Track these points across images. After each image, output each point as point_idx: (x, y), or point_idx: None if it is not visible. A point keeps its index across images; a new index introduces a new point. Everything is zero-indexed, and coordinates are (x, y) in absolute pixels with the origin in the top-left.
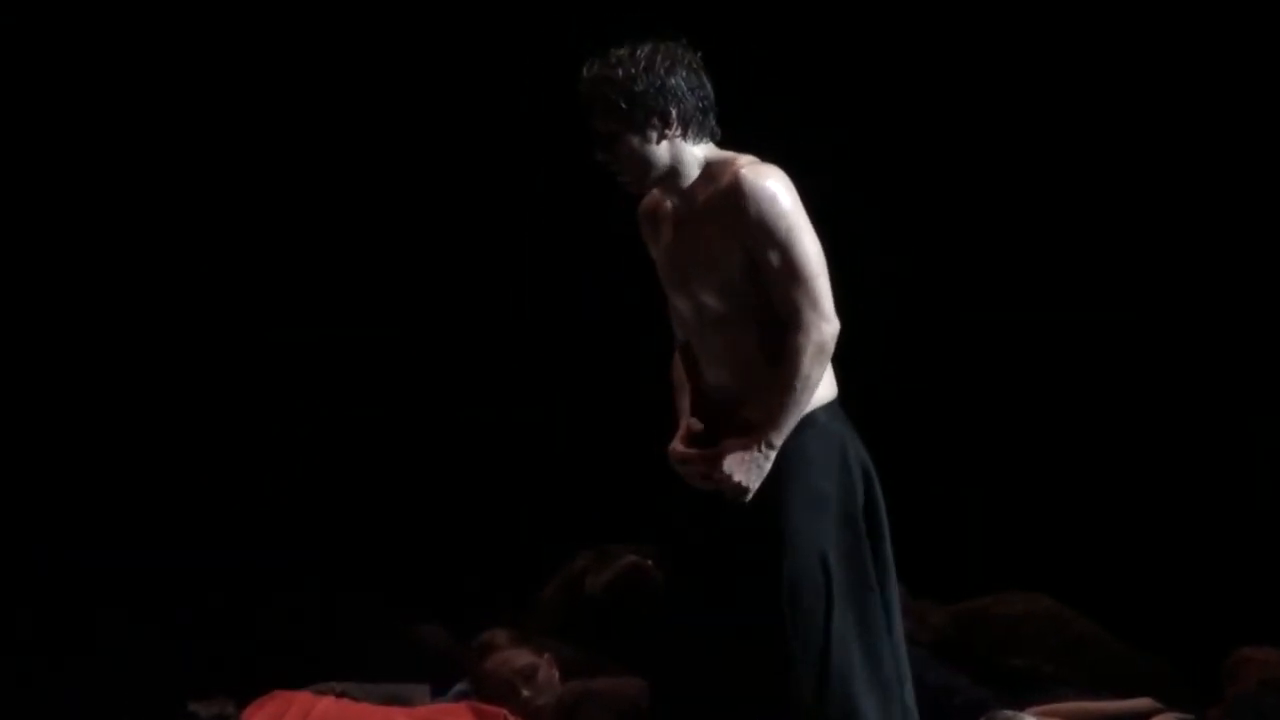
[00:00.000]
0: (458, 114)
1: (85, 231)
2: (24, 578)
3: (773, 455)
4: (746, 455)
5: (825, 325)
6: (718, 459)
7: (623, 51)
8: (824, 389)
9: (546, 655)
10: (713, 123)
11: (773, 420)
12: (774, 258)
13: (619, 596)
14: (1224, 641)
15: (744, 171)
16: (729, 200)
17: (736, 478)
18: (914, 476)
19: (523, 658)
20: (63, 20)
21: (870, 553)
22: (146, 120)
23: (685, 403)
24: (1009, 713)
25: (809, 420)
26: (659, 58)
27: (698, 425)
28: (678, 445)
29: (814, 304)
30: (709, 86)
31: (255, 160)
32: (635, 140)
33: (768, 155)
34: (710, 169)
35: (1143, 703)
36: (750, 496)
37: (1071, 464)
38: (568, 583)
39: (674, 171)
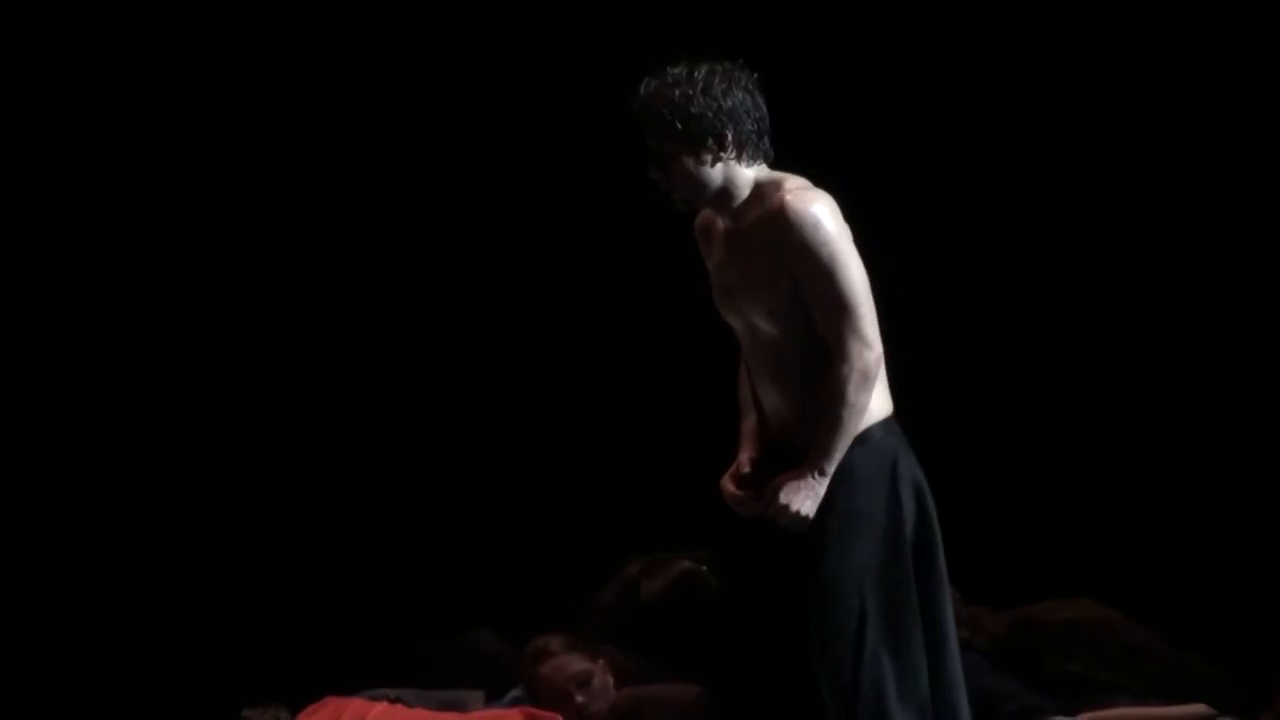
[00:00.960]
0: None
1: (85, 232)
2: (83, 581)
3: (825, 481)
4: (801, 484)
5: (868, 352)
6: (773, 494)
7: (680, 70)
8: (878, 405)
9: (601, 661)
10: (767, 145)
11: (823, 448)
12: (817, 285)
13: (673, 602)
14: (1278, 648)
15: (789, 198)
16: (774, 225)
17: (794, 508)
18: (969, 483)
19: (577, 664)
20: (63, 21)
21: (918, 569)
22: (145, 121)
23: (746, 426)
24: (1062, 718)
25: (862, 438)
26: (716, 79)
27: (747, 466)
28: (729, 485)
29: (857, 331)
30: (764, 108)
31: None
32: (690, 161)
33: (814, 171)
34: (760, 190)
35: (1196, 709)
36: (809, 524)
37: (1126, 469)
38: (622, 588)
39: (726, 192)
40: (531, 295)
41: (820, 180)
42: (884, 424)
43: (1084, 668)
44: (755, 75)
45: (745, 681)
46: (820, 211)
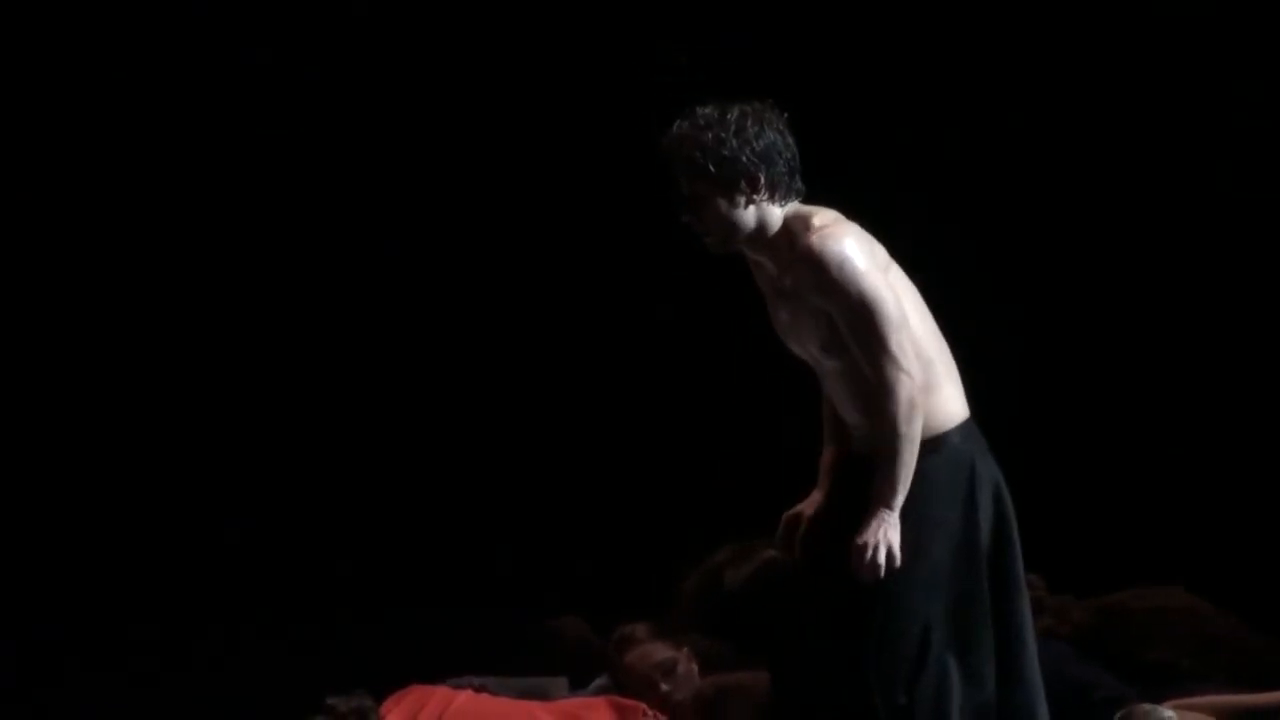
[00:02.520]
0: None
1: (84, 232)
2: (167, 570)
3: (895, 515)
4: (876, 530)
5: (909, 381)
6: (853, 556)
7: (710, 111)
8: (953, 409)
9: (685, 649)
10: (799, 183)
11: (885, 485)
12: (849, 324)
13: (758, 591)
14: None
15: (813, 240)
16: (804, 269)
17: (876, 559)
18: (1054, 471)
19: (662, 651)
20: (63, 21)
21: (994, 572)
22: (146, 121)
23: (824, 460)
24: (1147, 706)
25: (938, 444)
26: (749, 121)
27: (810, 509)
28: (786, 541)
29: (895, 363)
30: (795, 148)
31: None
32: (723, 204)
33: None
34: (789, 229)
35: None
36: (898, 554)
37: (1210, 458)
38: (707, 576)
39: (760, 233)
40: (624, 289)
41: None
42: (960, 429)
43: (1169, 656)
44: (785, 115)
45: (801, 679)
46: (844, 251)
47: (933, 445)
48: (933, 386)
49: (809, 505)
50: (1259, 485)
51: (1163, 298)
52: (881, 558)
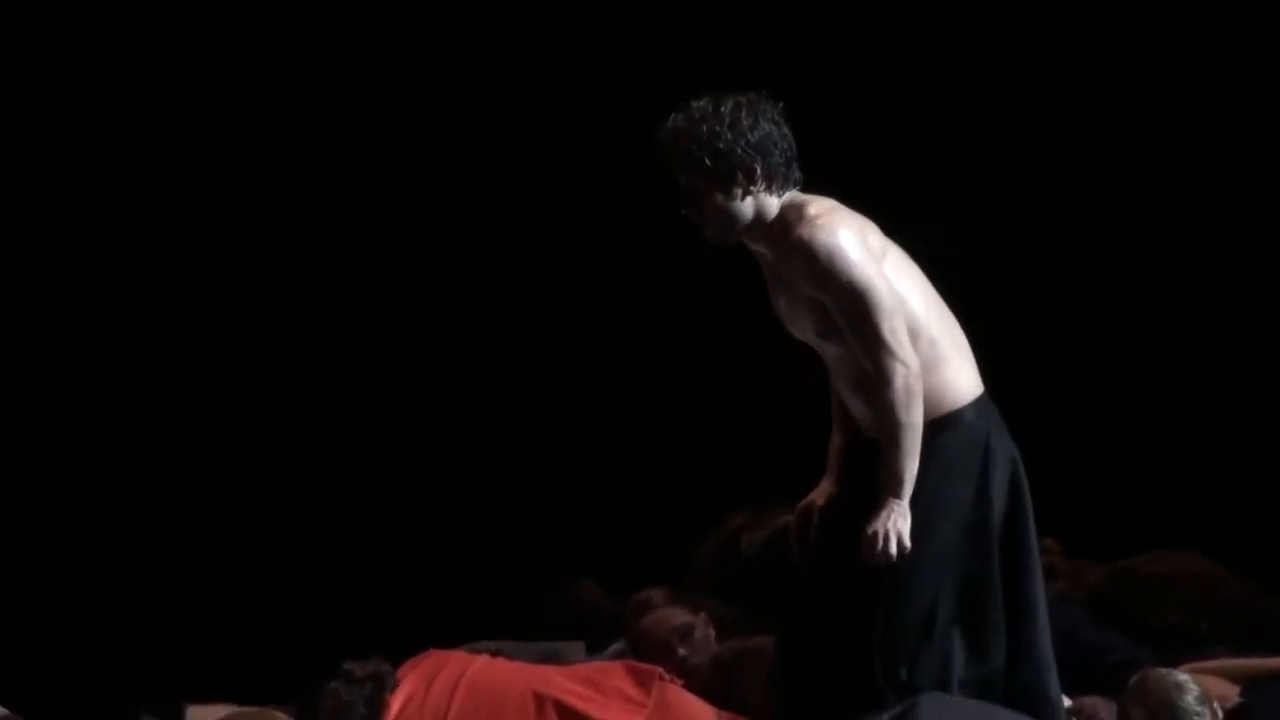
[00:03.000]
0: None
1: (85, 232)
2: (190, 532)
3: (904, 504)
4: (885, 520)
5: (903, 369)
6: (863, 547)
7: (705, 104)
8: (967, 386)
9: (702, 614)
10: (796, 173)
11: (891, 476)
12: (843, 315)
13: (774, 555)
14: None
15: (804, 231)
16: (797, 257)
17: (888, 549)
18: (1071, 436)
19: (679, 616)
20: (63, 21)
21: (1008, 547)
22: (145, 121)
23: (833, 446)
24: (1162, 670)
25: (953, 420)
26: (743, 113)
27: (822, 499)
28: (797, 532)
29: (890, 352)
30: (791, 137)
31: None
32: (720, 197)
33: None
34: (785, 216)
35: None
36: (907, 542)
37: (1226, 422)
38: (724, 541)
39: (758, 224)
40: (644, 254)
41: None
42: (975, 404)
43: (1184, 620)
44: (780, 105)
45: (804, 652)
46: (838, 241)
47: (947, 421)
48: (939, 364)
49: (820, 495)
50: (1275, 450)
51: (1181, 264)
52: (893, 548)
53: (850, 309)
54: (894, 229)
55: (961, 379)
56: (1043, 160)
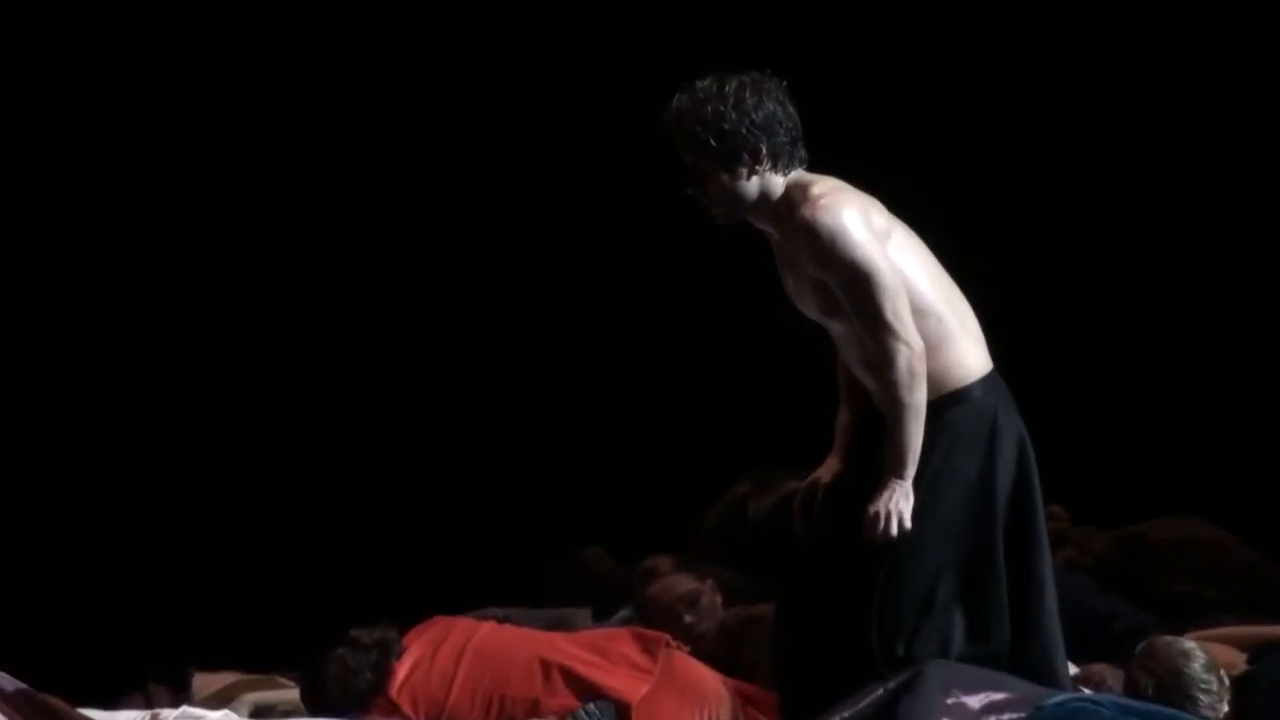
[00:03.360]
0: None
1: (84, 232)
2: (195, 493)
3: (907, 485)
4: (887, 500)
5: (907, 350)
6: (866, 525)
7: (709, 84)
8: (973, 363)
9: (709, 581)
10: (801, 152)
11: (894, 456)
12: (846, 295)
13: (781, 522)
14: None
15: (806, 212)
16: (802, 237)
17: (890, 529)
18: (1078, 402)
19: (686, 583)
20: (63, 21)
21: (1014, 523)
22: (145, 121)
23: (840, 423)
24: (1168, 638)
25: (961, 396)
26: (747, 93)
27: (827, 477)
28: (801, 508)
29: (893, 333)
30: (796, 116)
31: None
32: (725, 177)
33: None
34: (790, 195)
35: None
36: (908, 523)
37: (1234, 389)
38: (731, 508)
39: (764, 203)
40: (639, 228)
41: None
42: (984, 381)
43: (1192, 587)
44: (784, 83)
45: (804, 626)
46: (841, 221)
47: (955, 397)
48: (946, 342)
49: (826, 472)
50: None
51: (1183, 232)
52: (894, 528)
53: (853, 289)
54: (899, 213)
55: (969, 357)
56: (1048, 140)
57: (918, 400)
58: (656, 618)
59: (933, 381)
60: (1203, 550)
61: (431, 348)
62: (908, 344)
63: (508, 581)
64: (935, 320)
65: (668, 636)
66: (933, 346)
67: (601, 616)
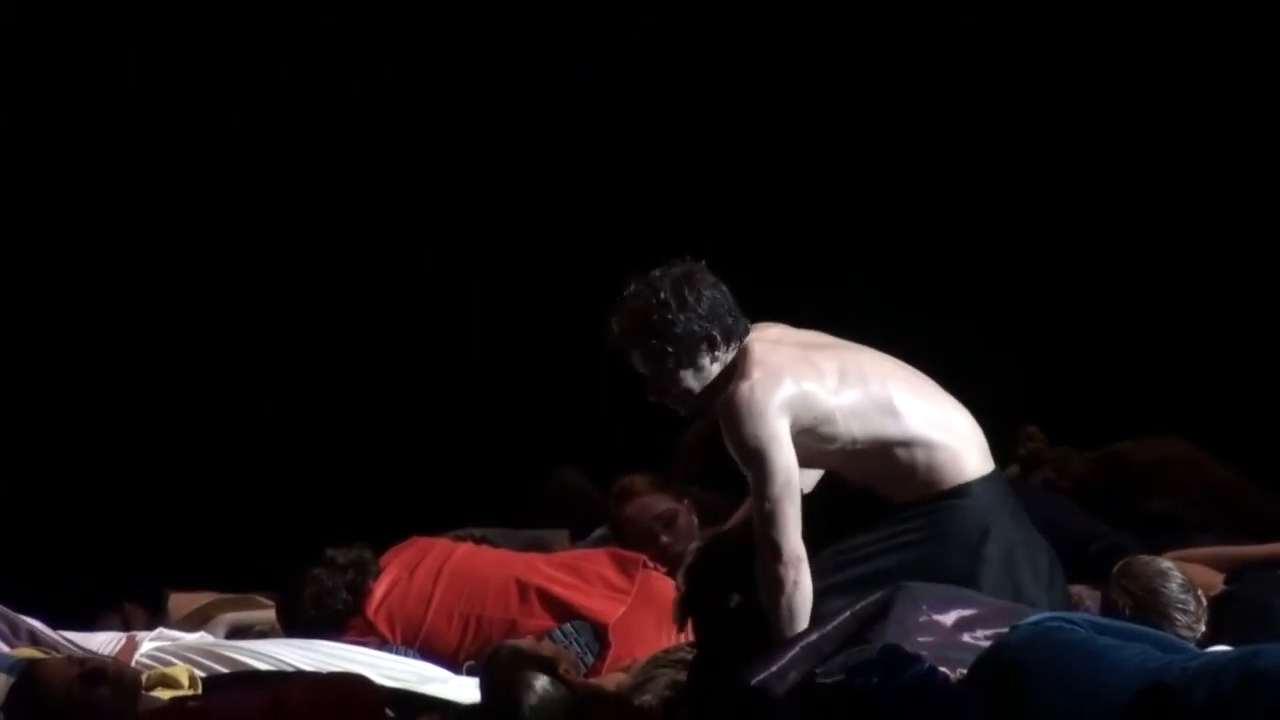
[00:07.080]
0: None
1: (86, 231)
2: (171, 419)
3: None
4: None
5: (775, 565)
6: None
7: (643, 291)
8: (972, 465)
9: (686, 501)
10: (744, 322)
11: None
12: (748, 476)
13: None
14: None
15: (727, 391)
16: (720, 413)
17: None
18: (1052, 320)
19: (662, 503)
20: (63, 21)
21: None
22: (144, 121)
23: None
24: (1145, 558)
25: (959, 492)
26: (684, 288)
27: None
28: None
29: (767, 537)
30: (725, 288)
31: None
32: (688, 374)
33: None
34: (736, 366)
35: None
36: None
37: (1216, 309)
38: (708, 428)
39: (722, 379)
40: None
41: None
42: (982, 481)
43: (1169, 507)
44: (704, 263)
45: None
46: (748, 410)
47: (953, 493)
48: (935, 456)
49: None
50: (1265, 337)
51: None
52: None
53: (748, 472)
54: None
55: (962, 460)
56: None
57: (785, 604)
58: (633, 538)
59: (928, 483)
60: (1180, 469)
61: (413, 285)
62: (777, 556)
63: (484, 502)
64: (921, 449)
65: (644, 557)
66: (924, 466)
67: (578, 537)
